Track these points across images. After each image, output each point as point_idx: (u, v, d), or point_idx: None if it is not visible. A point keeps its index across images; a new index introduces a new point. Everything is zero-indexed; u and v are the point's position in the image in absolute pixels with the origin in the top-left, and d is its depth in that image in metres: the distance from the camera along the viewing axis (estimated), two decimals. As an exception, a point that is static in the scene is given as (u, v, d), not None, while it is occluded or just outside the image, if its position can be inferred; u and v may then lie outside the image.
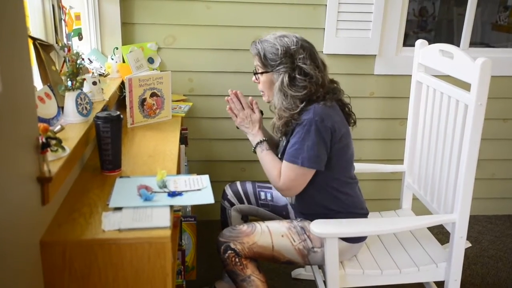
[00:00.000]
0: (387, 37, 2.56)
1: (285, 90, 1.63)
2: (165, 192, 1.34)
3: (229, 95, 1.84)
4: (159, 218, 1.20)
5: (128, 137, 1.84)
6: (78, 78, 1.49)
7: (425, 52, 1.92)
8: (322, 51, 2.53)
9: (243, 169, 2.74)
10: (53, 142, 1.20)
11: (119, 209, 1.25)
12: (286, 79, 1.62)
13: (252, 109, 1.80)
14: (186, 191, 1.36)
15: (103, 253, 1.13)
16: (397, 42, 2.60)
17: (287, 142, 1.67)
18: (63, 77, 1.51)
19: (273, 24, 2.46)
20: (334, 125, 1.61)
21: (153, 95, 2.00)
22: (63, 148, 1.23)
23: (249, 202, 1.95)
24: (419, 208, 2.12)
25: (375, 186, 2.80)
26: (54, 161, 1.17)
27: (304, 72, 1.62)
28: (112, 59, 2.20)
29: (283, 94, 1.64)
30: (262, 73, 1.70)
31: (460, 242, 1.69)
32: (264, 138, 1.75)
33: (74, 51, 1.46)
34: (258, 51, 1.68)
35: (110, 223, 1.18)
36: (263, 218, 1.95)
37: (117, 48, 2.26)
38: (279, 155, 1.74)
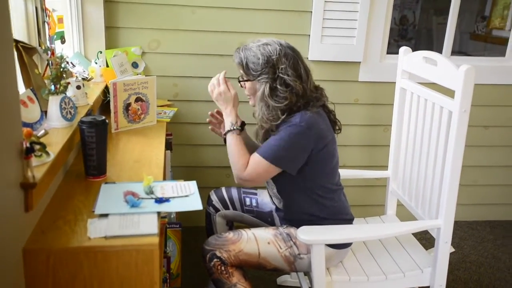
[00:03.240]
0: (371, 44, 2.59)
1: (266, 100, 1.63)
2: (152, 198, 1.31)
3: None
4: (146, 225, 1.18)
5: (113, 142, 1.81)
6: (62, 82, 1.46)
7: (409, 59, 1.94)
8: (307, 57, 2.54)
9: (227, 175, 2.72)
10: (37, 147, 1.17)
11: (105, 215, 1.22)
12: (267, 89, 1.62)
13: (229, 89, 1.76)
14: (174, 197, 1.34)
15: (88, 261, 1.10)
16: (381, 49, 2.63)
17: None
18: (46, 81, 1.47)
19: (259, 30, 2.46)
20: (320, 133, 1.61)
21: (138, 100, 1.98)
22: (47, 153, 1.20)
23: (234, 208, 1.94)
24: (404, 214, 2.13)
25: (360, 192, 2.82)
26: (38, 167, 1.14)
27: (285, 82, 1.61)
28: (96, 63, 2.17)
29: (265, 104, 1.64)
30: (245, 81, 1.69)
31: (445, 247, 1.70)
32: (237, 121, 1.73)
33: (58, 54, 1.43)
34: (240, 60, 1.67)
35: (96, 230, 1.15)
36: (248, 224, 1.94)
37: (101, 52, 2.23)
38: None
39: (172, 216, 2.13)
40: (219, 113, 1.87)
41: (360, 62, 2.60)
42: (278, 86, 1.61)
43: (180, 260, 2.05)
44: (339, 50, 2.55)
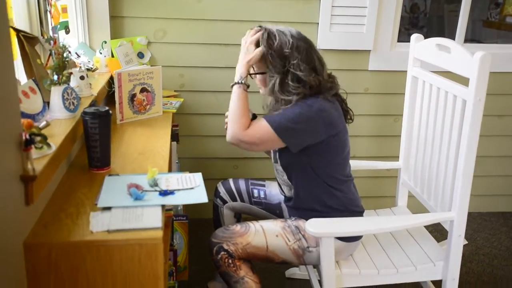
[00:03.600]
0: (381, 32, 2.52)
1: (277, 94, 1.58)
2: (156, 191, 1.28)
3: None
4: (150, 218, 1.15)
5: (118, 133, 1.78)
6: (65, 72, 1.43)
7: (421, 47, 1.88)
8: (316, 46, 2.48)
9: (235, 167, 2.69)
10: (38, 138, 1.14)
11: (108, 209, 1.19)
12: (277, 84, 1.57)
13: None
14: (178, 189, 1.30)
15: (91, 255, 1.08)
16: (392, 37, 2.56)
17: None
18: (48, 71, 1.44)
19: (266, 18, 2.40)
20: (331, 119, 1.56)
21: (143, 90, 1.94)
22: (48, 145, 1.17)
23: (242, 200, 1.90)
24: (415, 206, 2.09)
25: (370, 184, 2.77)
26: (38, 159, 1.11)
27: (297, 78, 1.56)
28: (101, 53, 2.14)
29: (274, 98, 1.60)
30: (256, 73, 1.64)
31: (458, 241, 1.65)
32: (246, 78, 1.63)
33: (61, 44, 1.40)
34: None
35: (99, 224, 1.12)
36: (256, 216, 1.91)
37: (105, 42, 2.20)
38: (271, 152, 1.70)
39: (179, 209, 2.10)
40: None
41: (370, 50, 2.54)
42: (290, 82, 1.56)
43: (187, 253, 2.02)
44: (348, 39, 2.49)
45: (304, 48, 1.59)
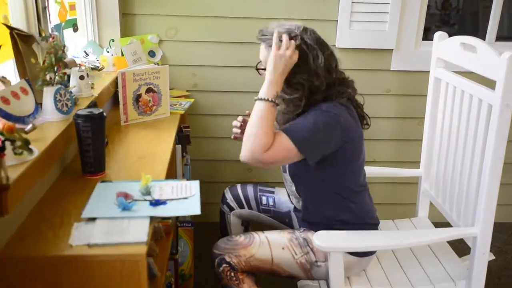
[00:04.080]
0: (405, 30, 2.38)
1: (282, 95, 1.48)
2: (147, 200, 1.19)
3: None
4: (135, 232, 1.06)
5: (120, 135, 1.71)
6: (59, 72, 1.36)
7: (445, 46, 1.74)
8: (335, 45, 2.36)
9: (249, 170, 2.59)
10: (18, 143, 1.07)
11: (93, 220, 1.11)
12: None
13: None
14: (171, 199, 1.21)
15: (69, 271, 1.00)
16: (416, 35, 2.41)
17: None
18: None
19: (282, 15, 2.28)
20: (347, 125, 1.44)
21: (149, 90, 1.86)
22: (30, 151, 1.10)
23: (250, 207, 1.80)
24: (439, 215, 1.94)
25: (389, 190, 2.62)
26: (16, 166, 1.04)
27: (299, 82, 1.45)
28: (108, 51, 2.07)
29: (281, 99, 1.49)
30: (265, 69, 1.53)
31: (482, 259, 1.51)
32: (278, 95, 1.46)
33: (54, 43, 1.33)
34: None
35: (80, 237, 1.04)
36: (264, 225, 1.81)
37: (113, 40, 2.13)
38: None
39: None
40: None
41: (392, 49, 2.40)
42: (297, 78, 1.44)
43: (193, 261, 1.94)
44: (369, 37, 2.35)
45: (312, 48, 1.47)
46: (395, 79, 2.46)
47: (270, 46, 1.46)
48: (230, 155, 2.54)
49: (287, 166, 1.56)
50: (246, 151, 1.40)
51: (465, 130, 1.58)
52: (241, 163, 2.54)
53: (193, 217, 2.38)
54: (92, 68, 1.95)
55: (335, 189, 1.51)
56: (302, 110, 1.47)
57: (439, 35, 1.77)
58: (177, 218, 1.85)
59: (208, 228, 2.33)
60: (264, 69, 1.52)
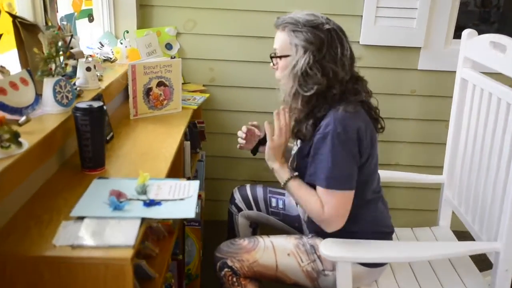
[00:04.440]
0: (435, 27, 2.25)
1: (294, 85, 1.39)
2: (141, 200, 1.14)
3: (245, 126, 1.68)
4: (123, 234, 1.00)
5: (128, 130, 1.67)
6: (59, 62, 1.32)
7: (473, 44, 1.61)
8: (359, 42, 2.26)
9: (266, 168, 2.50)
10: (6, 136, 1.02)
11: (82, 218, 1.06)
12: (299, 73, 1.37)
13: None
14: (167, 200, 1.15)
15: (50, 273, 0.95)
16: (447, 32, 2.28)
17: (306, 149, 1.42)
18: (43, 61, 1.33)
19: (304, 9, 2.20)
20: (359, 135, 1.34)
21: (160, 84, 1.81)
22: (19, 144, 1.05)
23: (258, 209, 1.73)
24: (462, 224, 1.81)
25: (410, 195, 2.50)
26: (2, 160, 0.99)
27: (323, 71, 1.35)
28: (121, 43, 2.02)
29: (291, 90, 1.40)
30: (284, 56, 1.43)
31: (504, 276, 1.39)
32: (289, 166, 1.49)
33: (55, 32, 1.28)
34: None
35: (65, 237, 0.99)
36: (273, 228, 1.73)
37: (127, 32, 2.09)
38: (289, 162, 1.50)
39: (196, 211, 1.95)
40: (255, 125, 1.67)
41: (420, 47, 2.27)
42: (314, 70, 1.35)
43: (200, 261, 1.88)
44: (396, 34, 2.24)
45: (337, 38, 1.39)
46: (422, 79, 2.33)
47: (286, 28, 1.39)
48: (247, 153, 2.46)
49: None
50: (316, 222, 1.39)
51: (491, 135, 1.46)
52: (259, 162, 2.49)
53: (204, 214, 2.34)
54: (105, 60, 1.91)
55: None
56: (318, 111, 1.39)
57: (467, 32, 1.65)
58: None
59: (219, 226, 2.27)
60: (278, 57, 1.43)
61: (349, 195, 1.35)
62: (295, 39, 1.37)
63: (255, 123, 1.70)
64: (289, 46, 1.40)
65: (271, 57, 1.47)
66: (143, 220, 1.06)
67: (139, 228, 1.03)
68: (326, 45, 1.36)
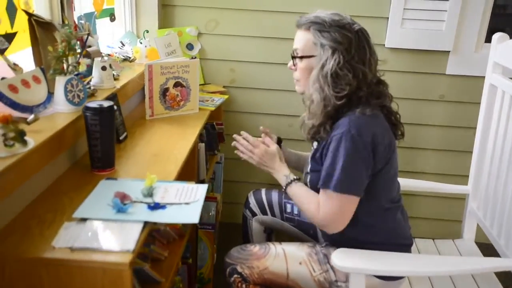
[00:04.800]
0: (465, 31, 2.16)
1: (322, 85, 1.33)
2: (145, 203, 1.11)
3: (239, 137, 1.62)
4: (123, 238, 0.98)
5: (142, 130, 1.65)
6: (72, 61, 1.31)
7: (504, 49, 1.52)
8: (384, 44, 2.18)
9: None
10: (11, 135, 1.01)
11: (84, 220, 1.04)
12: (329, 72, 1.32)
13: (264, 142, 1.53)
14: (172, 203, 1.12)
15: (49, 275, 0.93)
16: (478, 36, 2.18)
17: (319, 151, 1.37)
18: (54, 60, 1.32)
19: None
20: (374, 139, 1.28)
21: (177, 84, 1.79)
22: (24, 142, 1.04)
23: (273, 214, 1.68)
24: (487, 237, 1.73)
25: (433, 204, 2.40)
26: (5, 158, 0.98)
27: (353, 70, 1.30)
28: (141, 43, 2.02)
29: (319, 90, 1.34)
30: (307, 57, 1.37)
31: (530, 296, 1.31)
32: (289, 172, 1.45)
33: (68, 30, 1.27)
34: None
35: (66, 239, 0.97)
36: (288, 234, 1.68)
37: (147, 31, 2.08)
38: (309, 160, 1.45)
39: (210, 214, 1.93)
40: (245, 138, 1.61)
41: (449, 51, 2.19)
42: (345, 71, 1.30)
43: (212, 264, 1.85)
44: (423, 37, 2.15)
45: (362, 38, 1.35)
46: (450, 84, 2.24)
47: (310, 27, 1.35)
48: (266, 156, 2.42)
49: (308, 179, 1.42)
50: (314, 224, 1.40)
51: (520, 146, 1.38)
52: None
53: (222, 217, 2.31)
54: (124, 59, 1.90)
55: (360, 210, 1.35)
56: (339, 113, 1.33)
57: (498, 36, 1.56)
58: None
59: (236, 229, 2.23)
60: (300, 57, 1.38)
61: (353, 200, 1.30)
62: (322, 39, 1.32)
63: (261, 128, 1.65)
64: (313, 46, 1.35)
65: (293, 57, 1.43)
66: (146, 223, 1.04)
67: (140, 232, 1.01)
68: (355, 45, 1.31)
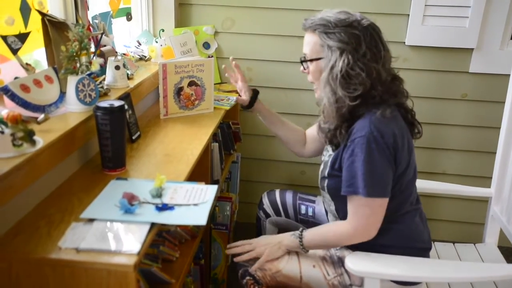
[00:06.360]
0: (490, 27, 2.08)
1: (334, 87, 1.30)
2: (153, 204, 1.10)
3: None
4: (130, 239, 0.96)
5: (156, 129, 1.64)
6: (85, 61, 1.31)
7: (529, 46, 1.46)
8: (404, 42, 2.13)
9: (302, 172, 2.43)
10: (19, 135, 1.01)
11: (92, 221, 1.03)
12: (339, 73, 1.28)
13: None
14: (180, 205, 1.10)
15: (55, 276, 0.92)
16: (504, 33, 2.10)
17: (338, 156, 1.33)
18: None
19: (347, 8, 2.10)
20: (396, 140, 1.25)
21: (191, 84, 1.77)
22: (32, 142, 1.04)
23: (287, 215, 1.65)
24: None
25: (455, 206, 2.33)
26: (14, 158, 0.98)
27: (365, 69, 1.27)
28: (157, 42, 2.01)
29: (331, 92, 1.31)
30: (315, 59, 1.35)
31: (554, 305, 1.25)
32: (289, 233, 1.40)
33: (80, 30, 1.27)
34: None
35: (72, 239, 0.97)
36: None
37: (163, 30, 2.07)
38: (321, 168, 1.42)
39: (225, 214, 1.90)
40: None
41: (473, 49, 2.11)
42: (357, 70, 1.26)
43: (227, 265, 1.83)
44: (445, 34, 2.09)
45: (372, 34, 1.31)
46: (474, 83, 2.16)
47: (316, 30, 1.32)
48: (282, 156, 2.40)
49: (325, 184, 1.38)
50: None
51: (545, 148, 1.32)
52: (294, 165, 2.42)
53: (238, 216, 2.29)
54: (139, 59, 1.90)
55: None
56: (355, 114, 1.30)
57: (522, 32, 1.50)
58: (211, 219, 1.75)
59: (252, 229, 2.21)
60: (310, 60, 1.36)
61: (384, 203, 1.27)
62: (328, 40, 1.29)
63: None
64: (320, 48, 1.32)
65: (301, 62, 1.40)
66: (153, 225, 1.02)
67: (147, 233, 0.99)
68: (364, 42, 1.27)
